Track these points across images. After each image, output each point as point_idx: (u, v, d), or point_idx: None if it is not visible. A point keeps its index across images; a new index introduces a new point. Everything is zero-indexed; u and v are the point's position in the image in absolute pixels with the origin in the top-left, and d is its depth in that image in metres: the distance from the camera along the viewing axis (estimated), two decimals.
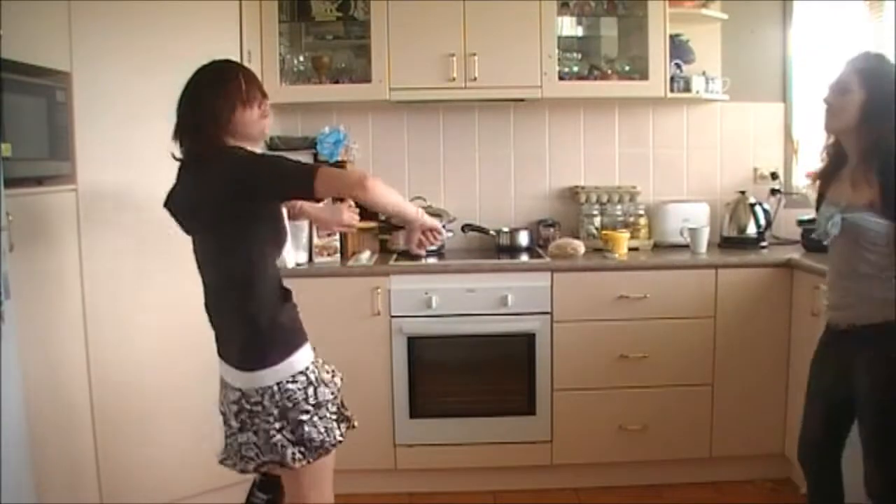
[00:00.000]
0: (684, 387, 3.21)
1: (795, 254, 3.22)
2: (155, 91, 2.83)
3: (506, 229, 3.59)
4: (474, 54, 3.29)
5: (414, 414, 3.18)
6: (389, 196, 1.94)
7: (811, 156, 3.70)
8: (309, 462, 1.94)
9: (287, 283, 3.14)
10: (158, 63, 2.82)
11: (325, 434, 1.95)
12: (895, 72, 2.14)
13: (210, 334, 3.00)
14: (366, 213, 3.53)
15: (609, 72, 3.50)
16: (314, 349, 2.04)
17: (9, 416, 1.99)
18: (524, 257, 3.41)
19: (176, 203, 2.09)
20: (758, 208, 3.50)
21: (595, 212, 3.63)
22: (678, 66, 3.51)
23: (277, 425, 1.91)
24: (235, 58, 3.01)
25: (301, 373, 1.93)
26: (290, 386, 1.91)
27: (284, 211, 2.09)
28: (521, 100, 3.54)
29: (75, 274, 2.63)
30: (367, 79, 3.34)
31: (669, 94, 3.41)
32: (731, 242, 3.52)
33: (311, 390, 1.94)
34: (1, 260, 2.00)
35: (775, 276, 3.17)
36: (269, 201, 1.95)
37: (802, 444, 2.35)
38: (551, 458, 3.22)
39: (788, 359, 3.17)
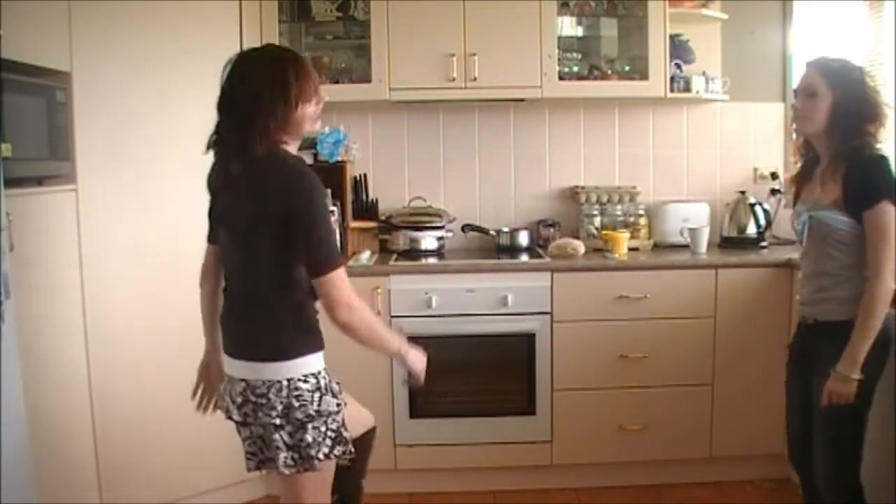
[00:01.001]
0: (684, 387, 3.21)
1: (795, 254, 3.20)
2: (155, 91, 2.83)
3: (506, 229, 3.59)
4: (474, 54, 3.29)
5: (414, 414, 3.18)
6: (372, 335, 1.90)
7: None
8: (298, 471, 1.87)
9: None
10: (158, 63, 2.82)
11: (318, 446, 1.87)
12: (859, 73, 2.17)
13: None
14: (366, 213, 3.55)
15: (609, 72, 3.50)
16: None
17: (9, 415, 1.99)
18: (524, 257, 3.41)
19: (220, 201, 2.03)
20: (758, 208, 3.51)
21: (595, 212, 3.63)
22: (678, 66, 3.51)
23: (278, 422, 1.85)
24: None
25: (313, 374, 1.88)
26: (300, 384, 1.85)
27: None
28: (521, 100, 3.54)
29: (75, 274, 2.63)
30: (367, 79, 3.34)
31: (669, 94, 3.41)
32: (731, 242, 3.52)
33: (317, 395, 1.87)
34: (1, 260, 2.00)
35: (775, 276, 3.17)
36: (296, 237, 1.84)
37: (790, 446, 2.38)
38: (551, 458, 3.22)
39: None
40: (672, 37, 3.42)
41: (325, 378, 1.91)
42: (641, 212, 3.61)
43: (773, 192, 3.65)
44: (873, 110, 2.13)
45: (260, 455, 1.95)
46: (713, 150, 3.77)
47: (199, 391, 2.18)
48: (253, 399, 1.86)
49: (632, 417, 3.20)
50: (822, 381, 2.12)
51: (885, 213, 2.04)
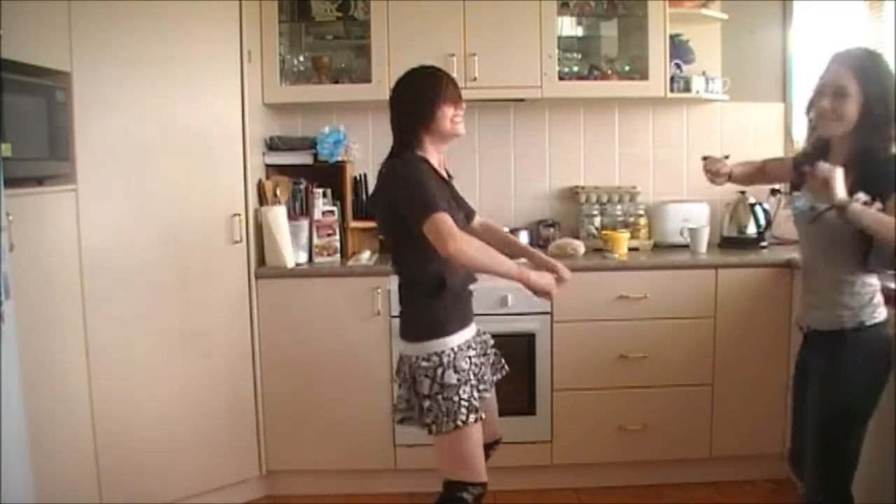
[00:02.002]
0: (684, 387, 3.21)
1: (795, 254, 3.21)
2: (155, 91, 2.83)
3: (506, 229, 3.57)
4: (474, 54, 3.29)
5: None
6: (475, 260, 2.06)
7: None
8: (434, 432, 2.17)
9: (286, 282, 3.17)
10: (158, 63, 2.82)
11: (444, 414, 2.13)
12: (886, 65, 2.06)
13: (208, 333, 3.03)
14: (366, 213, 3.55)
15: (609, 72, 3.50)
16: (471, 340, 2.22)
17: (8, 415, 1.99)
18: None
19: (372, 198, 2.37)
20: (758, 208, 3.51)
21: (595, 212, 3.63)
22: (678, 66, 3.51)
23: (409, 390, 2.22)
24: (235, 58, 3.03)
25: (436, 354, 2.14)
26: (422, 364, 2.15)
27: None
28: (521, 100, 3.54)
29: (75, 274, 2.63)
30: (367, 79, 3.34)
31: (669, 94, 3.41)
32: (731, 242, 3.52)
33: (439, 371, 2.13)
34: (1, 260, 2.00)
35: (775, 276, 3.17)
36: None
37: (791, 452, 2.32)
38: (551, 458, 3.22)
39: (788, 359, 3.16)
40: (672, 37, 3.42)
41: (448, 356, 2.15)
42: (641, 212, 3.61)
43: (773, 192, 3.64)
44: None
45: (403, 412, 2.29)
46: (713, 151, 3.72)
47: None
48: (403, 369, 2.24)
49: (632, 417, 3.20)
50: (815, 392, 2.08)
51: None
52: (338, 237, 3.35)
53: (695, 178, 3.76)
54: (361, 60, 3.44)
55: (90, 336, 2.67)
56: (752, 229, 3.51)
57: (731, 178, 2.55)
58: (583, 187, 3.67)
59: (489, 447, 2.37)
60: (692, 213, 3.55)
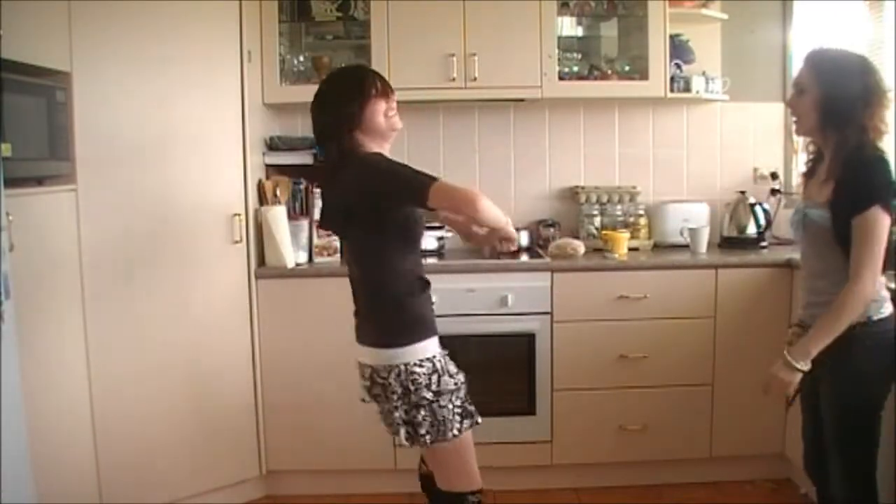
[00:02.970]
0: (684, 387, 3.21)
1: (795, 254, 3.20)
2: (155, 91, 2.83)
3: None
4: (474, 54, 3.29)
5: None
6: (493, 213, 2.02)
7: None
8: (411, 445, 2.08)
9: (286, 282, 3.17)
10: (158, 63, 2.82)
11: (440, 423, 2.05)
12: (855, 65, 2.07)
13: (208, 333, 3.03)
14: None
15: (609, 72, 3.50)
16: (444, 345, 2.14)
17: (8, 415, 1.99)
18: (524, 257, 3.41)
19: (324, 207, 2.23)
20: (758, 208, 3.50)
21: (595, 212, 3.63)
22: (678, 66, 3.51)
23: (397, 403, 2.05)
24: (235, 58, 3.03)
25: (428, 359, 2.05)
26: (415, 369, 2.03)
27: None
28: (521, 100, 3.54)
29: (75, 274, 2.63)
30: None
31: (669, 94, 3.41)
32: (731, 242, 3.52)
33: (434, 377, 2.05)
34: (1, 260, 2.00)
35: (775, 276, 3.17)
36: (390, 208, 2.04)
37: (804, 453, 2.32)
38: (551, 458, 3.22)
39: None
40: (672, 37, 3.42)
41: (440, 361, 2.08)
42: (641, 212, 3.61)
43: (773, 192, 3.65)
44: (866, 97, 2.02)
45: (390, 429, 2.14)
46: (713, 150, 3.77)
47: None
48: (379, 381, 2.08)
49: (632, 417, 3.20)
50: (827, 389, 2.10)
51: (874, 218, 1.95)
52: (338, 237, 3.35)
53: (695, 179, 3.78)
54: (361, 60, 3.44)
55: (90, 336, 2.67)
56: (752, 229, 3.51)
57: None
58: (583, 187, 3.67)
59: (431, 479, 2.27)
60: (692, 213, 3.55)
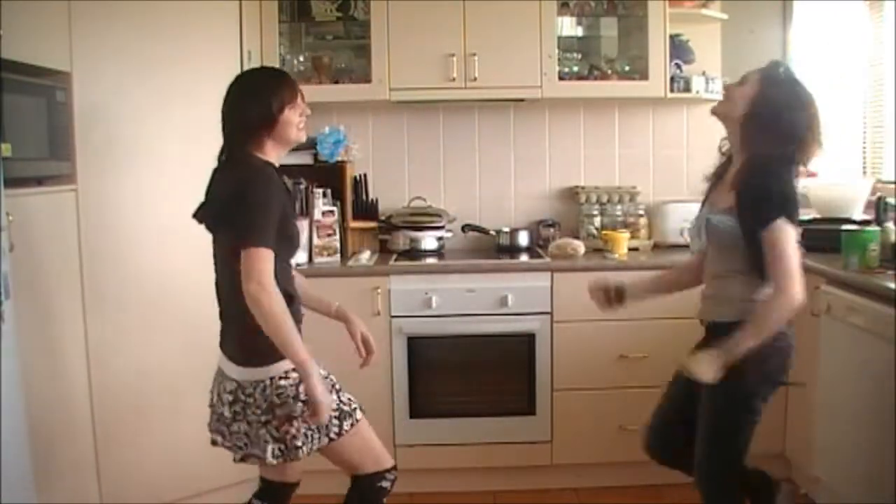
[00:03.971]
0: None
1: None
2: (155, 91, 2.83)
3: (506, 229, 3.59)
4: (474, 54, 3.29)
5: (414, 414, 3.18)
6: (275, 323, 1.86)
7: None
8: (285, 461, 2.01)
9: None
10: (158, 63, 2.82)
11: (314, 431, 2.00)
12: (807, 95, 2.13)
13: (209, 334, 3.02)
14: (366, 213, 3.55)
15: (609, 72, 3.50)
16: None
17: (8, 415, 1.99)
18: (524, 257, 3.41)
19: (205, 201, 2.17)
20: None
21: (595, 212, 3.63)
22: (678, 66, 3.51)
23: (264, 419, 1.97)
24: (235, 58, 3.03)
25: (293, 369, 1.95)
26: (281, 382, 1.97)
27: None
28: (521, 100, 3.54)
29: (75, 274, 2.63)
30: (367, 79, 3.34)
31: (669, 95, 3.41)
32: None
33: (301, 388, 1.95)
34: (1, 260, 2.00)
35: None
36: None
37: (650, 429, 2.42)
38: (551, 458, 3.22)
39: None
40: (672, 37, 3.42)
41: None
42: (641, 212, 3.61)
43: None
44: (808, 125, 2.08)
45: (245, 449, 2.06)
46: (713, 151, 3.73)
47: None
48: (242, 398, 2.00)
49: (632, 417, 3.19)
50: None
51: (780, 230, 2.00)
52: (338, 237, 3.35)
53: (695, 179, 3.76)
54: (361, 60, 3.44)
55: (90, 336, 2.67)
56: None
57: (624, 298, 2.51)
58: (583, 187, 3.67)
59: (292, 486, 2.27)
60: (692, 213, 3.51)
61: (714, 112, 2.24)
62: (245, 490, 3.18)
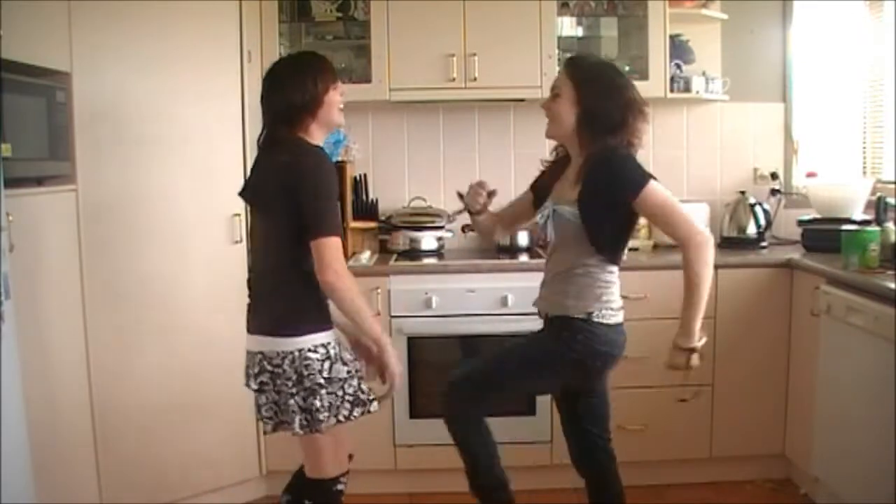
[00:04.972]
0: (684, 387, 3.18)
1: (795, 254, 3.22)
2: (155, 91, 2.83)
3: None
4: (474, 54, 3.29)
5: (414, 414, 3.18)
6: (353, 302, 2.04)
7: (811, 155, 3.71)
8: (311, 432, 2.08)
9: None
10: (158, 63, 2.82)
11: (328, 410, 2.06)
12: (615, 77, 2.19)
13: (209, 333, 3.02)
14: (366, 213, 3.55)
15: None
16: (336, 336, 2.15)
17: (8, 415, 1.99)
18: (524, 257, 3.41)
19: (249, 182, 2.22)
20: (758, 208, 3.50)
21: None
22: (678, 66, 3.51)
23: (294, 390, 2.05)
24: (235, 58, 3.03)
25: (322, 345, 2.06)
26: (309, 355, 2.04)
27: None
28: (521, 100, 3.54)
29: (75, 274, 2.63)
30: (367, 79, 3.34)
31: (669, 95, 3.41)
32: (731, 242, 3.52)
33: (327, 364, 2.05)
34: (1, 260, 2.00)
35: (775, 276, 3.17)
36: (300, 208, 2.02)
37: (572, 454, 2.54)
38: (551, 458, 3.22)
39: (788, 359, 3.17)
40: (672, 37, 3.42)
41: (334, 349, 2.09)
42: None
43: (773, 192, 3.65)
44: (630, 110, 2.15)
45: (275, 418, 2.14)
46: (713, 150, 3.77)
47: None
48: (269, 369, 2.07)
49: (632, 417, 3.20)
50: (529, 335, 2.28)
51: (655, 188, 2.07)
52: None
53: (695, 179, 3.78)
54: (361, 60, 3.44)
55: (90, 336, 2.68)
56: (752, 229, 3.51)
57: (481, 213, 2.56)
58: None
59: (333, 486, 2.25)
60: (692, 213, 3.53)
61: (547, 136, 2.27)
62: (245, 490, 3.19)
